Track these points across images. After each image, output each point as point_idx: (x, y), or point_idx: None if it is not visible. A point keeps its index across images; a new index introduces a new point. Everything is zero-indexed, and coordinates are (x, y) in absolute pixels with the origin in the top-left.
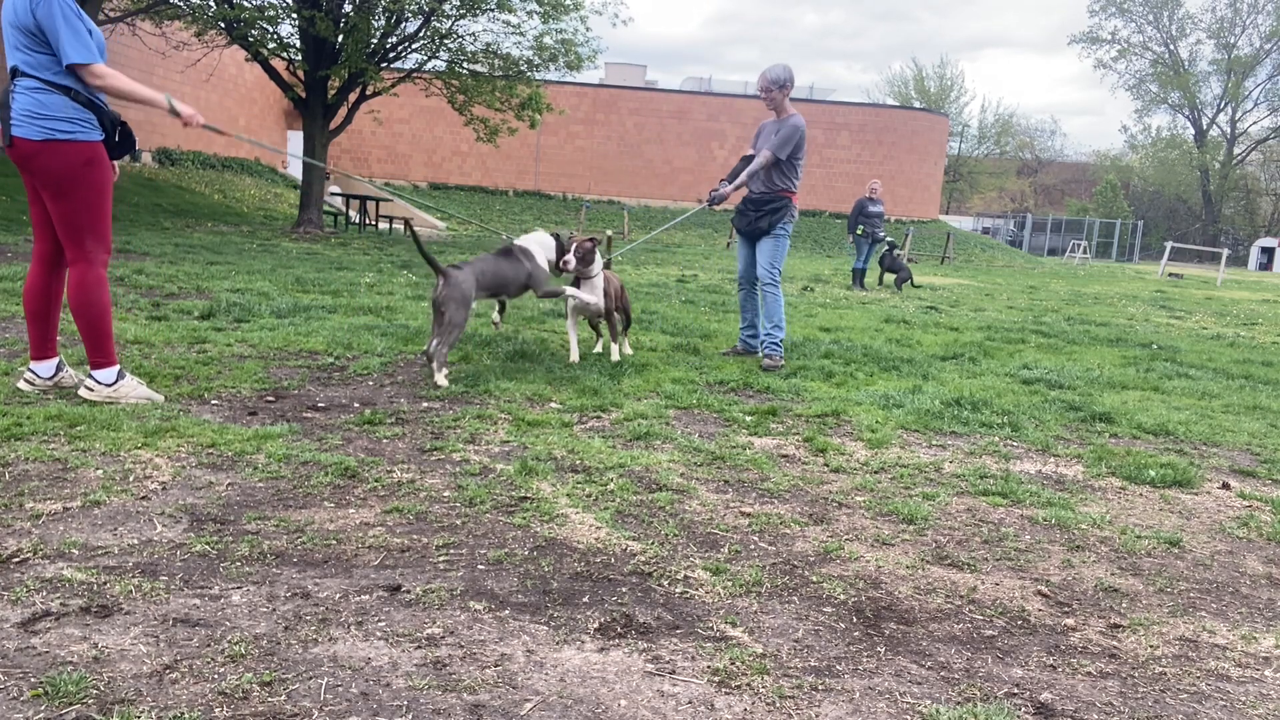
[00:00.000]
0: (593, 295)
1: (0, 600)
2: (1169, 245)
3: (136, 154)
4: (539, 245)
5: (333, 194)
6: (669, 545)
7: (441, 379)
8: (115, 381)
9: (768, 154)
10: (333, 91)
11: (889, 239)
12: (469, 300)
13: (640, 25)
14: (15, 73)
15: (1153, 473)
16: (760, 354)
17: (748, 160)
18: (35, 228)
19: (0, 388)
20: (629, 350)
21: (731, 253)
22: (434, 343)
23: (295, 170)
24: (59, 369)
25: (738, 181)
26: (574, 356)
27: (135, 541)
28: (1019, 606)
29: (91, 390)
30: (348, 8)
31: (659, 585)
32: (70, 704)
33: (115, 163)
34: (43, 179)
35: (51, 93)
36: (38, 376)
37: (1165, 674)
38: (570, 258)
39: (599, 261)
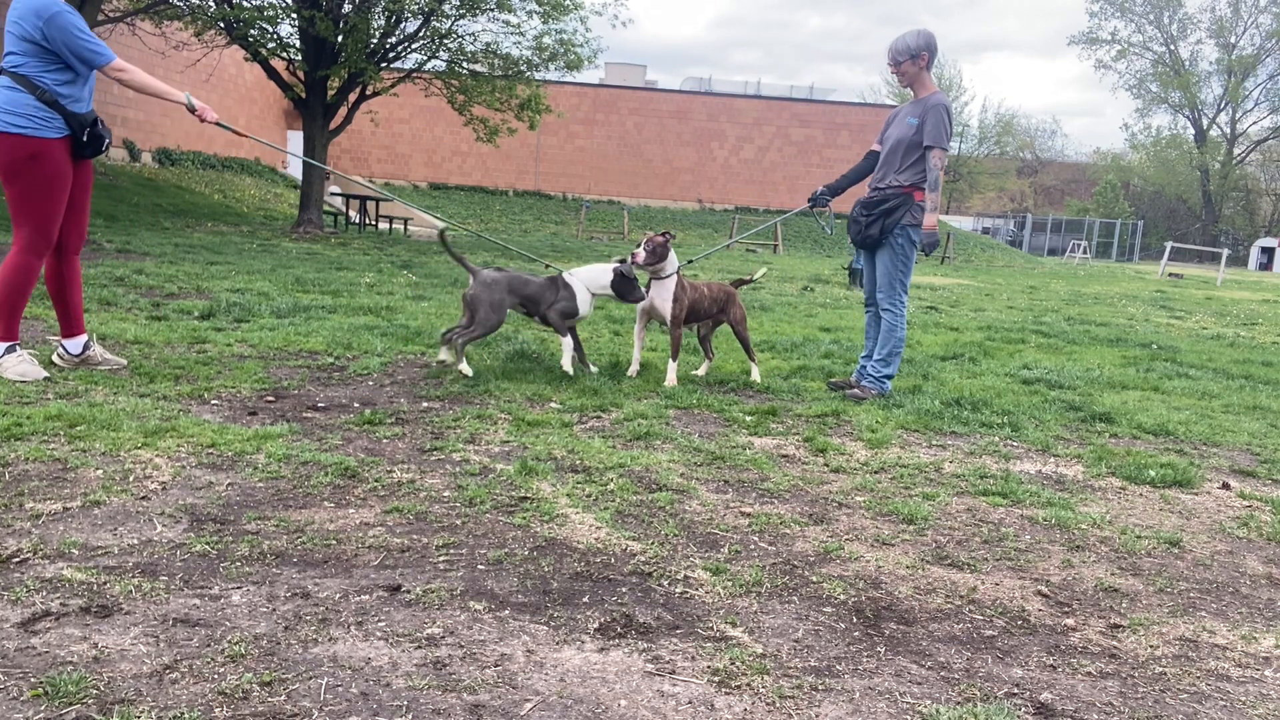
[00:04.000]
0: (660, 298)
1: (0, 600)
2: (1169, 245)
3: (136, 153)
4: (586, 280)
5: (333, 194)
6: (669, 545)
7: (465, 368)
8: (2, 356)
9: (938, 151)
10: (332, 91)
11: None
12: (501, 305)
13: (644, 27)
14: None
15: (1153, 473)
16: (855, 380)
17: (873, 156)
18: None
19: (0, 388)
20: (672, 381)
21: (733, 252)
22: (457, 331)
23: (295, 170)
24: (86, 346)
25: (931, 205)
26: (634, 369)
27: (135, 541)
28: (1019, 606)
29: None
30: (347, 8)
31: (659, 585)
32: (70, 704)
33: (96, 161)
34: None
35: (14, 89)
36: (67, 352)
37: (1165, 674)
38: (640, 250)
39: (671, 261)
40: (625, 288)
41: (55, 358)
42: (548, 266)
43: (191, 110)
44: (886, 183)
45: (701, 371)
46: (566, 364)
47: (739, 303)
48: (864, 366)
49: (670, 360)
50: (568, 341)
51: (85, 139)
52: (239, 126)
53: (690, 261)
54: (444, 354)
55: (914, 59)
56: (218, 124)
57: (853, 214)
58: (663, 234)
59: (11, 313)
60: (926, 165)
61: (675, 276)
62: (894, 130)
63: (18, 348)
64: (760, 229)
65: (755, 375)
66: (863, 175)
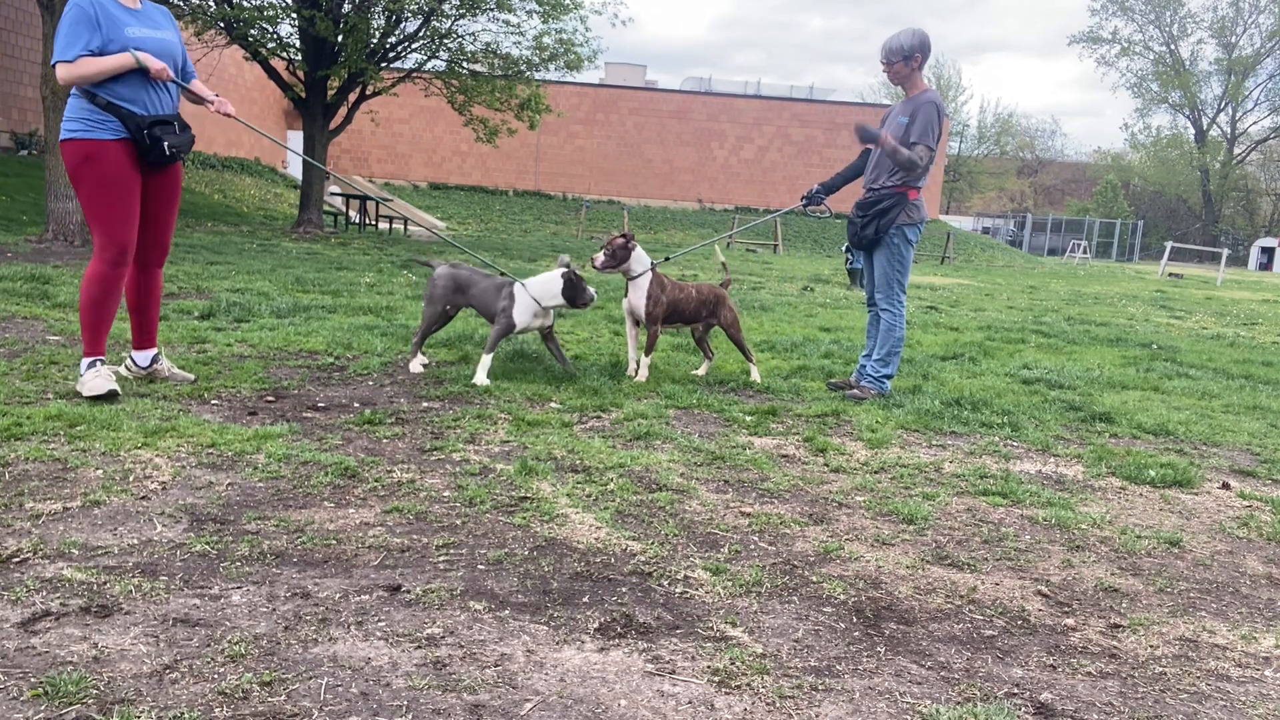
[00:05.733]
0: (635, 297)
1: (0, 600)
2: (1169, 245)
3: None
4: (538, 288)
5: (333, 194)
6: (669, 545)
7: (415, 365)
8: (84, 371)
9: (921, 149)
10: (332, 91)
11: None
12: (435, 298)
13: (646, 28)
14: None
15: (1153, 473)
16: (855, 380)
17: (867, 155)
18: None
19: (0, 388)
20: (643, 375)
21: (732, 252)
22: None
23: (295, 170)
24: (155, 360)
25: (892, 149)
26: (630, 369)
27: (135, 541)
28: (1019, 606)
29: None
30: (347, 8)
31: (659, 585)
32: (70, 704)
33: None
34: (68, 175)
35: (76, 96)
36: (134, 364)
37: (1165, 674)
38: (599, 254)
39: (636, 260)
40: (573, 292)
41: (123, 369)
42: (502, 274)
43: (145, 72)
44: (880, 183)
45: (701, 371)
46: (480, 377)
47: (730, 305)
48: (864, 366)
49: (644, 355)
50: (486, 359)
51: (148, 142)
52: (239, 128)
53: (667, 259)
54: (417, 364)
55: (906, 59)
56: (176, 82)
57: (850, 215)
58: (621, 235)
59: (87, 326)
60: (912, 151)
61: (648, 275)
62: (887, 130)
63: (99, 363)
64: (742, 229)
65: (755, 375)
66: (858, 173)
